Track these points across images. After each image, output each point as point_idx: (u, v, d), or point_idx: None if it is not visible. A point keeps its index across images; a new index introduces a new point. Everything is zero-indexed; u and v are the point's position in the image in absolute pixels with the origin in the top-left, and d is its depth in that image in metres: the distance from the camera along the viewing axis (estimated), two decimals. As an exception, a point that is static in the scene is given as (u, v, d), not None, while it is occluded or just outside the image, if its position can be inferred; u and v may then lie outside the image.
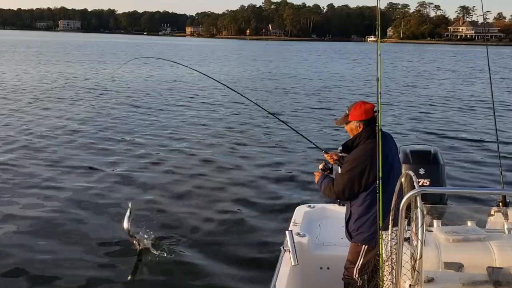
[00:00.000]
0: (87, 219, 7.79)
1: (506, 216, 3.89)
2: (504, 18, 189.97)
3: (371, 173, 3.81)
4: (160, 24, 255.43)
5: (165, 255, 6.55)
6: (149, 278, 6.10)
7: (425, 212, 2.54)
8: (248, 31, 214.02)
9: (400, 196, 2.92)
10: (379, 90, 3.38)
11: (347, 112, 4.10)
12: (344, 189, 3.96)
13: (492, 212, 4.06)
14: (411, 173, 2.71)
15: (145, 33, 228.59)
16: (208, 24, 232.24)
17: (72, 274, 6.06)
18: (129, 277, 6.13)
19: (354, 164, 3.91)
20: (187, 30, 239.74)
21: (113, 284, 5.89)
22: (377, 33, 3.51)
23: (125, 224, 6.35)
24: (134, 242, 6.54)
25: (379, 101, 3.33)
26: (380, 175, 3.29)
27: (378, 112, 3.42)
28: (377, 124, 3.40)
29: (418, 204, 2.52)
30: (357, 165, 3.89)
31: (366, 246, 3.97)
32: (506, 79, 35.94)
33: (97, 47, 79.61)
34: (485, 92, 26.31)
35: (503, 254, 3.23)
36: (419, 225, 2.51)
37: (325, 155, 4.47)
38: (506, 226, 3.84)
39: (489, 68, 4.73)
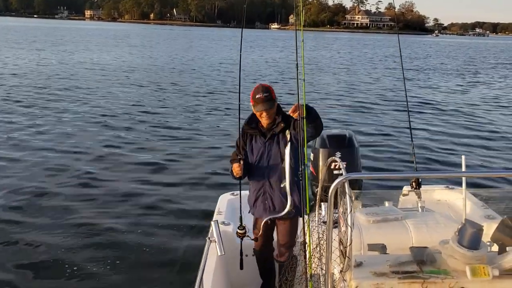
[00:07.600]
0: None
1: (419, 195, 4.11)
2: (394, 8, 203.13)
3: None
4: (56, 6, 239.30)
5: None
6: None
7: (353, 198, 2.53)
8: (152, 15, 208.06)
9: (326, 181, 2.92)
10: (303, 77, 3.30)
11: (267, 95, 3.78)
12: None
13: (406, 192, 4.27)
14: (338, 159, 2.69)
15: (35, 16, 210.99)
16: (109, 8, 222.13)
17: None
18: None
19: None
20: (86, 13, 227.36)
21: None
22: (296, 21, 3.44)
23: None
24: None
25: (304, 88, 3.27)
26: (306, 162, 3.26)
27: (303, 99, 3.36)
28: (299, 113, 3.34)
29: (347, 190, 2.49)
30: None
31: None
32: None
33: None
34: (396, 76, 27.37)
35: (419, 232, 3.42)
36: (348, 211, 2.49)
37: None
38: (419, 205, 4.09)
39: (401, 58, 4.76)
